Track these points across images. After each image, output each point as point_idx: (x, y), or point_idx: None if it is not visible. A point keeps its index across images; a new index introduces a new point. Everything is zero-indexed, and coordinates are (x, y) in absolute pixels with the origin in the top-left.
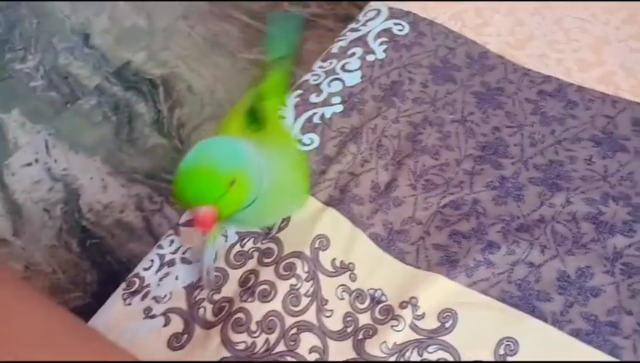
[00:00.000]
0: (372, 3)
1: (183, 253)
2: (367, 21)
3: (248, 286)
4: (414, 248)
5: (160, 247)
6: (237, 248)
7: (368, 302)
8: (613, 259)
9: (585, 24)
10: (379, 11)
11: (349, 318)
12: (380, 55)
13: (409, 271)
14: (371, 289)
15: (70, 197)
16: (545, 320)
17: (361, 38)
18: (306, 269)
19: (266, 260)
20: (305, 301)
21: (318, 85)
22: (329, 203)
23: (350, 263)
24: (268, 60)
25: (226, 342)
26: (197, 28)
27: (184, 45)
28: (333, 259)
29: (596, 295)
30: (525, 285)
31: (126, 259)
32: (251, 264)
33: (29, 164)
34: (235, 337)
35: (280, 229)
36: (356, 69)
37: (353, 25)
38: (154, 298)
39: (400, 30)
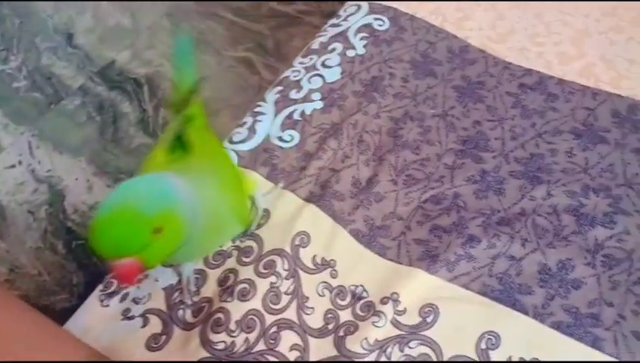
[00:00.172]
0: None
1: None
2: (347, 16)
3: (227, 286)
4: (395, 243)
5: None
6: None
7: (349, 298)
8: (594, 250)
9: (565, 17)
10: (359, 7)
11: (329, 315)
12: (361, 50)
13: (390, 266)
14: (352, 285)
15: (55, 199)
16: (526, 313)
17: (341, 34)
18: (286, 267)
19: (246, 259)
20: (285, 299)
21: (298, 81)
22: (309, 199)
23: (331, 260)
24: (183, 87)
25: (205, 342)
26: (182, 26)
27: (168, 44)
28: (314, 256)
29: (577, 287)
30: (506, 279)
31: None
32: (230, 262)
33: (13, 166)
34: (214, 337)
35: (259, 226)
36: (336, 65)
37: (334, 20)
38: (133, 299)
39: (380, 25)
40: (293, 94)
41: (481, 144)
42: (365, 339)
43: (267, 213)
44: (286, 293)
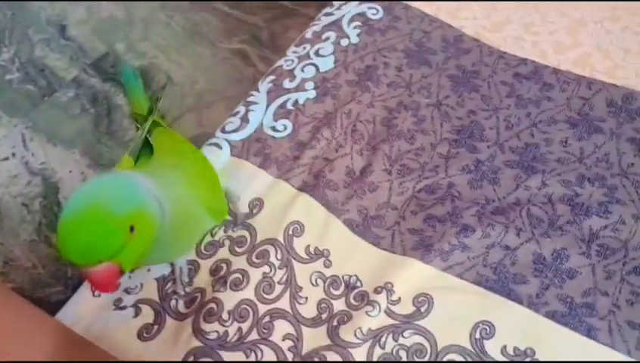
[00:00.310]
0: None
1: None
2: (341, 5)
3: (220, 276)
4: (389, 233)
5: None
6: (208, 238)
7: (342, 288)
8: (588, 240)
9: (561, 6)
10: None
11: (323, 305)
12: (354, 39)
13: (384, 256)
14: (346, 275)
15: (49, 191)
16: (520, 303)
17: (335, 23)
18: (280, 256)
19: (239, 249)
20: (278, 288)
21: (291, 70)
22: (303, 188)
23: (325, 249)
24: (141, 109)
25: (197, 332)
26: (177, 18)
27: (163, 35)
28: (308, 246)
29: (572, 277)
30: (500, 268)
31: None
32: (222, 252)
33: (6, 158)
34: (207, 327)
35: (253, 215)
36: (330, 54)
37: (327, 9)
38: (125, 289)
39: (374, 14)
40: (287, 84)
41: (476, 133)
42: (359, 328)
43: (260, 203)
44: (279, 283)
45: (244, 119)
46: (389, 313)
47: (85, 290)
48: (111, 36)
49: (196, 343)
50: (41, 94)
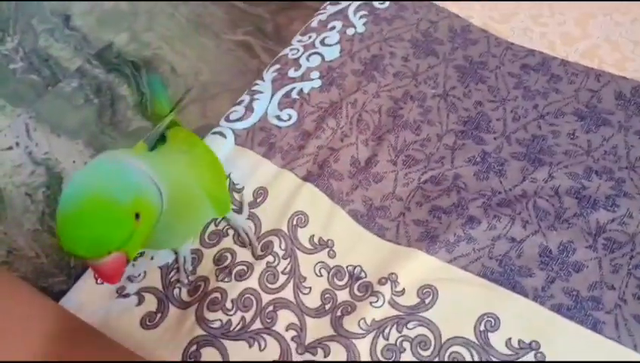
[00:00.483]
0: None
1: None
2: None
3: (225, 266)
4: (394, 224)
5: None
6: (212, 227)
7: (346, 278)
8: (595, 233)
9: None
10: None
11: (327, 295)
12: (360, 29)
13: (389, 247)
14: (350, 265)
15: (53, 181)
16: (526, 295)
17: (341, 12)
18: (284, 246)
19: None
20: (282, 278)
21: (296, 59)
22: (307, 178)
23: (329, 240)
24: (163, 111)
25: (200, 320)
26: (181, 8)
27: (167, 26)
28: (312, 236)
29: (578, 270)
30: (506, 261)
31: None
32: (226, 242)
33: (10, 148)
34: (210, 315)
35: (257, 205)
36: (335, 43)
37: None
38: (128, 277)
39: (381, 3)
40: (292, 73)
41: (482, 124)
42: (363, 319)
43: (264, 192)
44: (283, 273)
45: (249, 108)
46: (393, 304)
47: (87, 278)
48: (115, 27)
49: (199, 332)
50: (45, 84)
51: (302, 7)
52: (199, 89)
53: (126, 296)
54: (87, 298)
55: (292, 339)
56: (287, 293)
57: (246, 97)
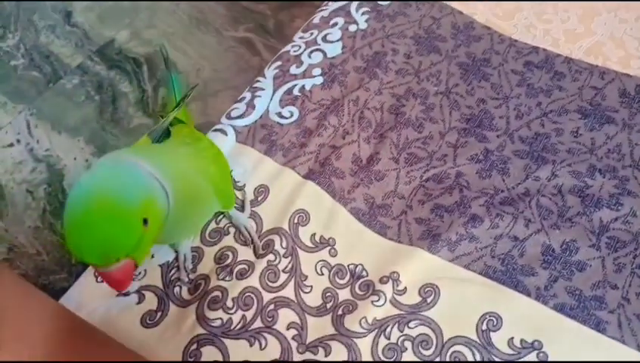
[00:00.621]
0: None
1: None
2: None
3: (226, 264)
4: (395, 222)
5: None
6: (212, 225)
7: (348, 277)
8: (598, 232)
9: None
10: None
11: (328, 294)
12: (363, 25)
13: (391, 245)
14: (352, 264)
15: (54, 178)
16: (528, 295)
17: (343, 8)
18: (285, 245)
19: (244, 238)
20: (283, 277)
21: (298, 56)
22: (309, 176)
23: (330, 238)
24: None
25: (201, 319)
26: (182, 5)
27: (168, 23)
28: (313, 234)
29: (581, 269)
30: (509, 259)
31: None
32: (227, 240)
33: (11, 145)
34: (210, 314)
35: (258, 203)
36: (337, 40)
37: None
38: None
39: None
40: (293, 70)
41: (485, 122)
42: (364, 318)
43: (265, 190)
44: (284, 271)
45: (250, 105)
46: (394, 303)
47: (88, 275)
48: (116, 23)
49: (199, 330)
50: (47, 80)
51: (304, 4)
52: (200, 86)
53: (126, 294)
54: (87, 296)
55: (293, 338)
56: (288, 292)
57: (247, 95)
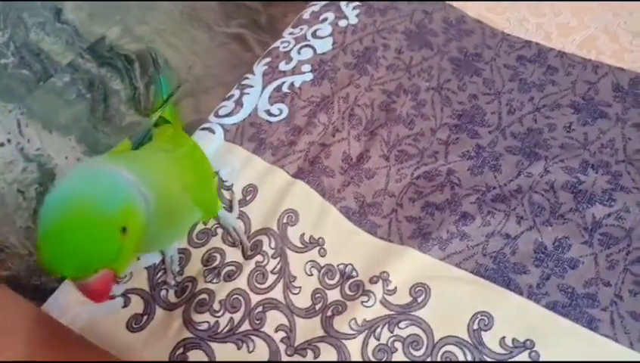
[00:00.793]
0: None
1: None
2: None
3: (213, 266)
4: (386, 221)
5: None
6: (200, 226)
7: (337, 277)
8: (591, 229)
9: None
10: None
11: (317, 295)
12: (353, 20)
13: (381, 245)
14: (341, 264)
15: (45, 178)
16: (520, 293)
17: (333, 3)
18: (273, 245)
19: (232, 239)
20: (271, 278)
21: (287, 52)
22: (298, 175)
23: (320, 238)
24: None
25: (188, 322)
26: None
27: (160, 19)
28: (302, 234)
29: (573, 266)
30: (500, 257)
31: None
32: (215, 241)
33: (2, 144)
34: (197, 317)
35: (247, 203)
36: (327, 36)
37: None
38: None
39: None
40: (283, 66)
41: (477, 118)
42: (354, 319)
43: (254, 189)
44: (272, 272)
45: (238, 103)
46: (385, 303)
47: None
48: (107, 20)
49: (186, 334)
50: (37, 78)
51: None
52: (192, 83)
53: (112, 297)
54: (72, 300)
55: (281, 340)
56: (277, 294)
57: (236, 92)
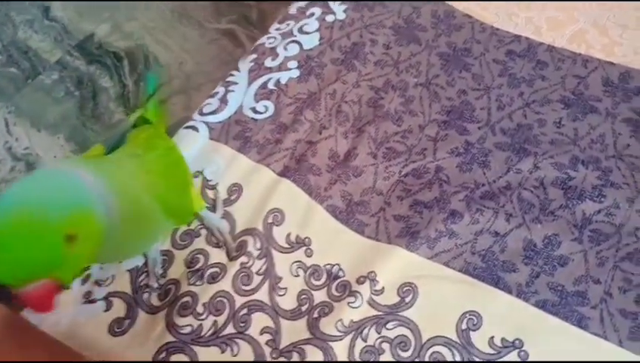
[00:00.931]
0: None
1: None
2: None
3: (197, 268)
4: (374, 220)
5: None
6: (183, 227)
7: (324, 278)
8: (581, 225)
9: None
10: None
11: (303, 296)
12: (341, 15)
13: (368, 244)
14: (328, 264)
15: None
16: (509, 292)
17: None
18: (258, 246)
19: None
20: (257, 279)
21: (273, 48)
22: (284, 174)
23: (306, 238)
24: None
25: (170, 326)
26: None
27: (150, 16)
28: (288, 234)
29: (563, 264)
30: (489, 256)
31: None
32: (198, 242)
33: None
34: (180, 321)
35: (232, 202)
36: (314, 31)
37: None
38: (96, 282)
39: None
40: (268, 62)
41: (466, 114)
42: (340, 320)
43: (239, 189)
44: (257, 274)
45: (223, 101)
46: (372, 304)
47: None
48: (96, 17)
49: (169, 338)
50: (25, 76)
51: None
52: (183, 80)
53: (93, 301)
54: None
55: (266, 343)
56: (262, 295)
57: (220, 89)
